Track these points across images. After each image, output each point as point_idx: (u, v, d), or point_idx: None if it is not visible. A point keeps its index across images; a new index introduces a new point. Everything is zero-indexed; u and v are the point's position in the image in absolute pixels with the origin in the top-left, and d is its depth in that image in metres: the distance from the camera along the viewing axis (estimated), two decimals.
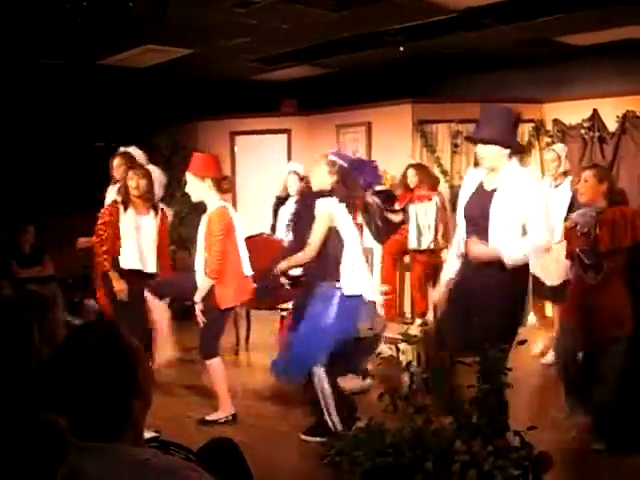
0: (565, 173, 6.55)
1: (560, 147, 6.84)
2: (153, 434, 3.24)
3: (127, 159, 6.24)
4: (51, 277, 8.11)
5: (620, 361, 4.36)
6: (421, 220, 7.77)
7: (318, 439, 4.58)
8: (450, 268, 4.35)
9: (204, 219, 5.10)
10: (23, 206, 8.68)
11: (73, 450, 1.81)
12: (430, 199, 7.81)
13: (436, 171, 8.68)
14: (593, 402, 4.46)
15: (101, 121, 9.39)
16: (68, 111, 9.26)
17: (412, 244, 7.81)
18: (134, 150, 6.38)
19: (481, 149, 4.18)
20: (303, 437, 4.69)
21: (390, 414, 2.93)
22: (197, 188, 5.08)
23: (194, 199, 5.18)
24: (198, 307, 5.00)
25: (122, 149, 6.38)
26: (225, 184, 5.21)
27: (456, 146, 8.69)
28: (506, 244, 3.97)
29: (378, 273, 7.85)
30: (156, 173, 6.44)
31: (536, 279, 5.41)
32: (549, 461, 2.75)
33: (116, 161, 6.29)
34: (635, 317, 4.37)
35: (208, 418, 5.09)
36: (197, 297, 4.99)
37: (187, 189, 5.15)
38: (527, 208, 3.98)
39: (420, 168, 7.97)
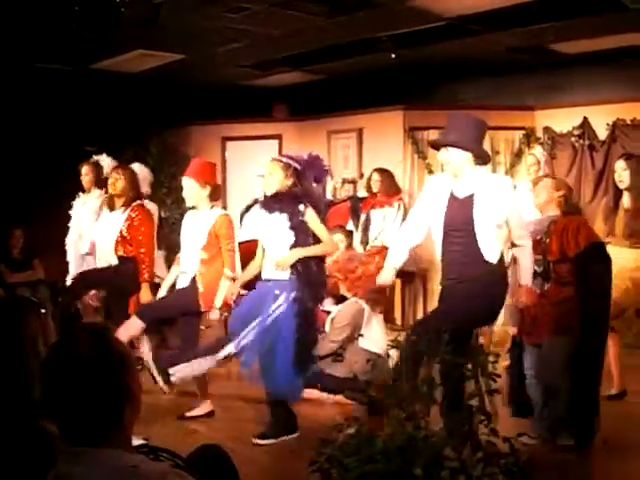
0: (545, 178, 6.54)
1: (539, 151, 6.85)
2: (142, 441, 3.23)
3: (94, 169, 6.33)
4: (41, 281, 8.08)
5: (563, 359, 4.36)
6: (377, 226, 7.73)
7: (272, 440, 4.67)
8: (398, 256, 4.43)
9: (200, 222, 5.13)
10: (12, 210, 8.64)
11: (62, 455, 1.81)
12: (391, 205, 7.79)
13: (427, 178, 8.69)
14: (549, 404, 4.48)
15: (93, 125, 9.36)
16: (59, 115, 9.24)
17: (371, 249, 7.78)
18: (104, 158, 6.42)
19: (443, 154, 4.25)
20: (256, 441, 4.69)
21: (380, 420, 2.93)
22: (196, 193, 5.11)
23: (190, 203, 5.21)
24: (216, 313, 5.13)
25: (94, 158, 6.45)
26: (218, 192, 5.29)
27: None
28: (491, 248, 4.11)
29: None
30: (144, 172, 6.49)
31: None
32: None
33: (83, 170, 6.39)
34: (582, 324, 4.36)
35: (186, 414, 5.20)
36: (218, 302, 5.03)
37: (184, 193, 5.16)
38: (506, 211, 4.15)
39: (384, 173, 7.92)
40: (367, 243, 7.83)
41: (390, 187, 7.85)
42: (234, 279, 5.04)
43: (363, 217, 7.85)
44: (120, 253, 5.50)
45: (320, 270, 4.76)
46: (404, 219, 7.75)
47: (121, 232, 5.48)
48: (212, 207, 5.17)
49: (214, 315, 5.15)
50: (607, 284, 4.47)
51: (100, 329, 1.89)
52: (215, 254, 5.08)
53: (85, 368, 1.76)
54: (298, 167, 4.71)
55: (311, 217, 4.63)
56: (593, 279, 4.37)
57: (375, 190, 7.84)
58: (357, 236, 7.70)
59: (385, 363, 5.57)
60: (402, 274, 7.92)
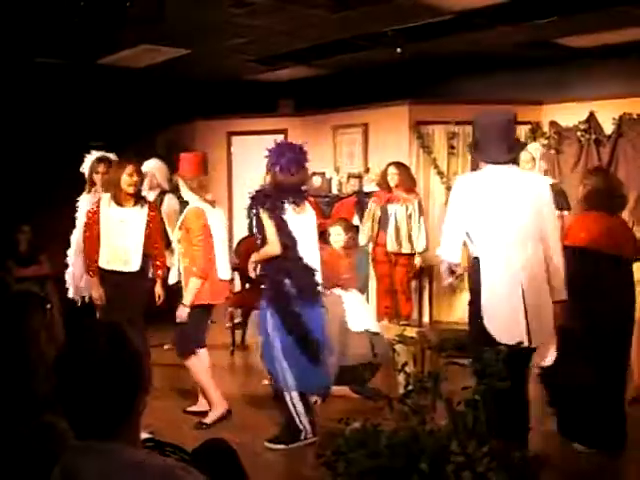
0: (545, 173, 6.41)
1: (534, 147, 6.68)
2: (148, 435, 3.24)
3: (109, 167, 6.12)
4: (47, 276, 8.10)
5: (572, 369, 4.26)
6: (401, 222, 7.65)
7: (282, 446, 4.60)
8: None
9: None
10: (19, 205, 8.66)
11: (69, 449, 1.81)
12: (406, 201, 7.70)
13: (432, 172, 8.68)
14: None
15: (97, 121, 9.37)
16: (64, 110, 9.25)
17: (390, 246, 7.69)
18: (113, 157, 6.29)
19: None
20: (267, 445, 4.64)
21: (386, 414, 2.93)
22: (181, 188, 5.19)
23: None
24: (185, 310, 4.91)
25: (101, 154, 6.21)
26: (191, 182, 5.09)
27: (452, 147, 8.70)
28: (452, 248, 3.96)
29: (372, 273, 7.86)
30: (162, 167, 6.43)
31: None
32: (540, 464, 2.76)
33: (101, 168, 5.97)
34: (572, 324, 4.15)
35: (204, 421, 5.03)
36: (187, 300, 4.90)
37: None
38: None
39: (401, 167, 7.77)
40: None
41: (407, 180, 7.77)
42: (201, 277, 4.91)
43: (378, 213, 7.72)
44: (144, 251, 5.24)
45: (277, 271, 4.56)
46: (421, 214, 7.69)
47: (147, 230, 5.24)
48: (197, 200, 5.07)
49: (181, 313, 4.92)
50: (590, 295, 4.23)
51: (115, 325, 1.90)
52: (188, 247, 4.98)
53: (101, 363, 1.77)
54: (271, 158, 4.59)
55: (263, 218, 4.52)
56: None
57: (393, 184, 7.71)
58: (364, 231, 7.67)
59: (383, 340, 5.57)
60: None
